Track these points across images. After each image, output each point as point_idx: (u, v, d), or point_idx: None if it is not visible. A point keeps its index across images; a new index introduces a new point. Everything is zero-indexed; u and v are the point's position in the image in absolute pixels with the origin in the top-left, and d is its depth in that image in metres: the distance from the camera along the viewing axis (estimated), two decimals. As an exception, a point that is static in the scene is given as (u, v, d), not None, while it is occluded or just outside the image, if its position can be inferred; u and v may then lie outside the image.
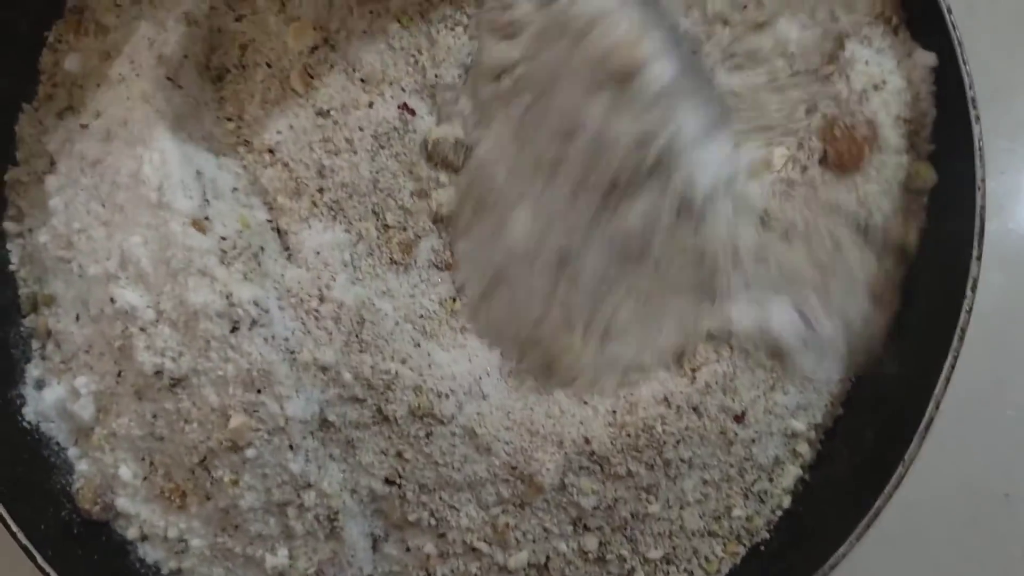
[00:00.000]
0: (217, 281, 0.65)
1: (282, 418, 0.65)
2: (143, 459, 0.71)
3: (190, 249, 0.66)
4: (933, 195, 0.70)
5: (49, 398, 0.74)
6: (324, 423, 0.67)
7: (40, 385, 0.75)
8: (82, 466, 0.74)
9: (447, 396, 0.66)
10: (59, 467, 0.74)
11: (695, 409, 0.67)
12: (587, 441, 0.66)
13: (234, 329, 0.65)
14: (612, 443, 0.67)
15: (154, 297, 0.68)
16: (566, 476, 0.67)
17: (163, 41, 0.72)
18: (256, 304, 0.65)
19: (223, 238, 0.67)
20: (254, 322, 0.65)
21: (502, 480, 0.67)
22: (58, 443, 0.75)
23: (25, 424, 0.75)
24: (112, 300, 0.68)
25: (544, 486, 0.66)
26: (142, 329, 0.68)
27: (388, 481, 0.68)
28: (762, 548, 0.72)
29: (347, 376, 0.65)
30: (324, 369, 0.66)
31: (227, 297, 0.65)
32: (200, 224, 0.66)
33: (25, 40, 0.78)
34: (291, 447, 0.66)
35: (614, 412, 0.67)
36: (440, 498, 0.68)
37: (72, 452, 0.75)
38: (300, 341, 0.66)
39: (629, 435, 0.67)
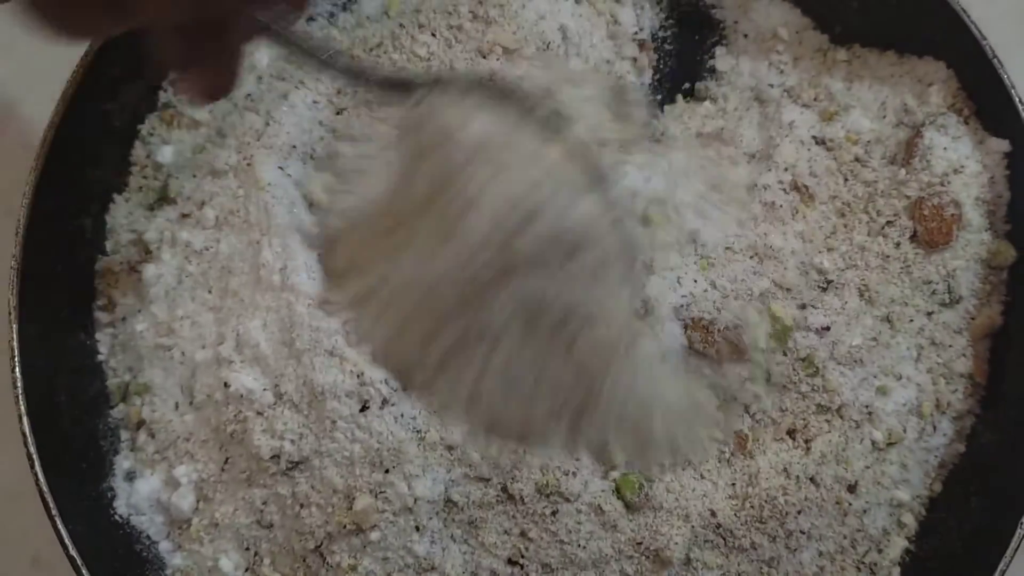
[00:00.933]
0: (347, 361, 0.66)
1: (410, 498, 0.65)
2: (247, 548, 0.70)
3: (317, 330, 0.66)
4: (1012, 271, 0.74)
5: (142, 490, 0.73)
6: (448, 503, 0.66)
7: (131, 477, 0.74)
8: (176, 560, 0.72)
9: (574, 474, 0.66)
10: (152, 562, 0.72)
11: (812, 479, 0.68)
12: (713, 514, 0.67)
13: (364, 408, 0.65)
14: (736, 515, 0.67)
15: (273, 379, 0.67)
16: (691, 550, 0.67)
17: (273, 132, 0.74)
18: (387, 383, 0.65)
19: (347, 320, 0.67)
20: (385, 401, 0.65)
21: (627, 556, 0.67)
22: (148, 536, 0.73)
23: (116, 518, 0.73)
24: (226, 385, 0.68)
25: (672, 560, 0.66)
26: (259, 412, 0.67)
27: (511, 561, 0.67)
28: (877, 621, 0.72)
29: (474, 456, 0.65)
30: (451, 448, 0.66)
31: (358, 376, 0.65)
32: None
33: (119, 133, 0.79)
34: (417, 528, 0.66)
35: (734, 484, 0.68)
36: (564, 577, 0.67)
37: (164, 546, 0.73)
38: (427, 420, 0.66)
39: (753, 506, 0.67)
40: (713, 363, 0.68)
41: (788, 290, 0.70)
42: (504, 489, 0.66)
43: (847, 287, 0.70)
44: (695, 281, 0.70)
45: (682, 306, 0.69)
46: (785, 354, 0.68)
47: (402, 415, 0.66)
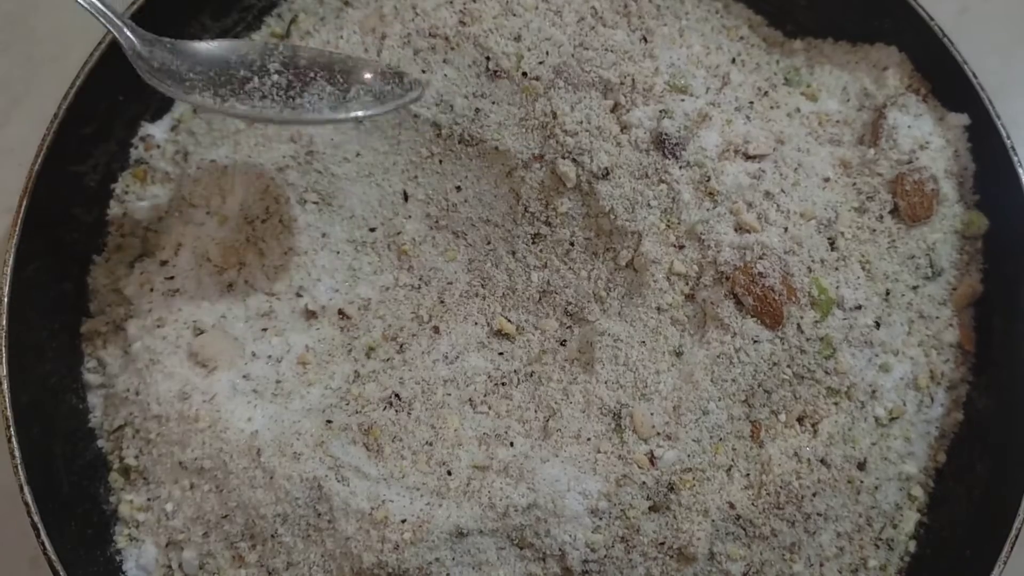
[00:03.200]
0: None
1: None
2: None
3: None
4: (987, 239, 0.76)
5: (150, 551, 0.71)
6: (459, 535, 0.66)
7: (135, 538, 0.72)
8: (192, 624, 0.70)
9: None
10: (168, 623, 0.71)
11: (823, 461, 0.69)
12: (731, 506, 0.67)
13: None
14: (754, 504, 0.68)
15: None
16: (714, 544, 0.67)
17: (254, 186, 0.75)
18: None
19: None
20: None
21: (652, 558, 0.67)
22: (162, 598, 0.71)
23: (128, 582, 0.71)
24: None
25: (696, 556, 0.66)
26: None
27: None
28: (901, 595, 0.73)
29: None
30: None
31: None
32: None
33: (94, 194, 0.78)
34: (438, 559, 0.65)
35: (748, 475, 0.69)
36: (591, 586, 0.67)
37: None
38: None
39: (769, 493, 0.68)
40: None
41: (800, 244, 0.70)
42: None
43: (851, 258, 0.71)
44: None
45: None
46: (802, 330, 0.68)
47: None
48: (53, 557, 0.66)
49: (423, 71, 0.72)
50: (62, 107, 0.73)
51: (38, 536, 0.66)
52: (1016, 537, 0.66)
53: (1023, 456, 0.69)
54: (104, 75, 0.75)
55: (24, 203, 0.72)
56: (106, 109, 0.77)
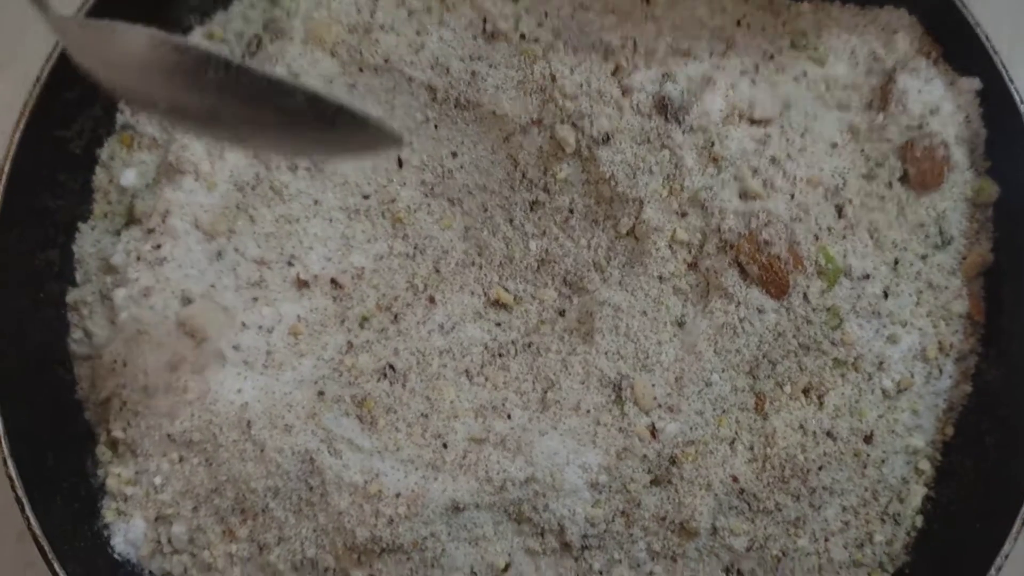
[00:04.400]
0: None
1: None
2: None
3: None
4: (997, 207, 0.74)
5: (138, 527, 0.70)
6: (455, 509, 0.64)
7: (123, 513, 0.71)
8: (180, 599, 0.69)
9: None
10: (156, 599, 0.69)
11: (829, 434, 0.67)
12: (735, 479, 0.66)
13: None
14: (758, 477, 0.66)
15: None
16: (717, 519, 0.66)
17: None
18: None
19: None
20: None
21: (653, 533, 0.65)
22: (152, 573, 0.70)
23: (116, 556, 0.70)
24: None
25: (698, 531, 0.65)
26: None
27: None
28: (907, 573, 0.71)
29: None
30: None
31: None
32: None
33: (79, 160, 0.76)
34: (433, 534, 0.64)
35: (752, 448, 0.67)
36: (590, 562, 0.65)
37: (164, 582, 0.70)
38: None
39: (773, 467, 0.66)
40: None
41: (807, 211, 0.68)
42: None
43: (859, 226, 0.69)
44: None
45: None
46: (808, 300, 0.67)
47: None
48: (38, 532, 0.65)
49: (417, 33, 0.70)
50: (45, 70, 0.71)
51: (23, 511, 0.65)
52: (1029, 510, 0.65)
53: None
54: (89, 37, 0.72)
55: (7, 169, 0.70)
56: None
